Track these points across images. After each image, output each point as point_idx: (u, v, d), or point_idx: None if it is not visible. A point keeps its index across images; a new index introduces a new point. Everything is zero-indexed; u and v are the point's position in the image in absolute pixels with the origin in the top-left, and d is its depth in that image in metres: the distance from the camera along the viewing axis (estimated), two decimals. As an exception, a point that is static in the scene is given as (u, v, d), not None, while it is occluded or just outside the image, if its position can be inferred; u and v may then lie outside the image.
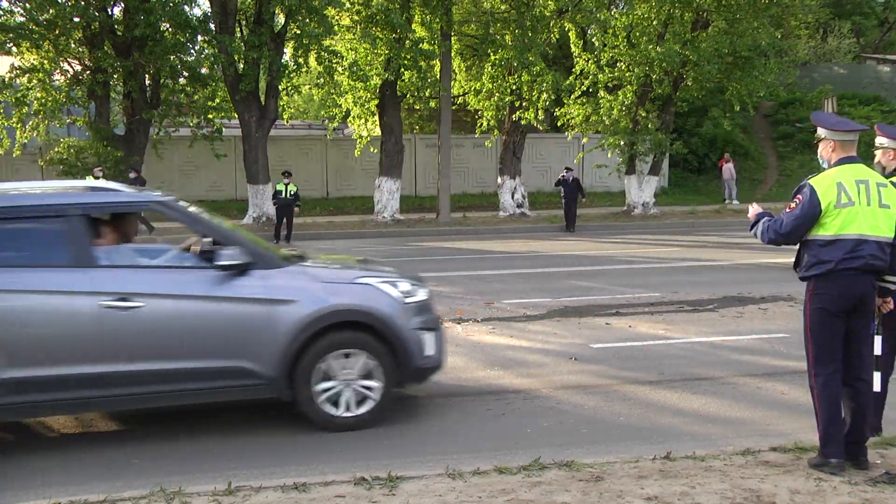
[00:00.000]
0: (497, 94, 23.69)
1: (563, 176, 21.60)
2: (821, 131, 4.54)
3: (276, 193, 18.73)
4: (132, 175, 19.65)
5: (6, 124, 20.78)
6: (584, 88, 22.89)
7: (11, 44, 19.62)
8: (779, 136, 33.24)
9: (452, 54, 24.01)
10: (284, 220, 18.63)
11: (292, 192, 18.63)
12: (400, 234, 20.85)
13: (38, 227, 5.38)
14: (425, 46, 21.38)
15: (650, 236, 19.42)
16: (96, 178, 19.48)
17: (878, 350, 4.66)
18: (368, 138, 24.67)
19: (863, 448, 4.46)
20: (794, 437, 5.11)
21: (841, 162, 4.45)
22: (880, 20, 43.63)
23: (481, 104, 24.26)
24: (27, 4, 19.68)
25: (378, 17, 21.24)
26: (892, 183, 4.55)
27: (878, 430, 4.95)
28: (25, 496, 4.52)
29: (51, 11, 19.50)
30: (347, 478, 4.47)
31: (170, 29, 20.32)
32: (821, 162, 4.62)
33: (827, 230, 4.33)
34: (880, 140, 4.96)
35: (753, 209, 4.79)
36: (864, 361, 4.45)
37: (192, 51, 20.86)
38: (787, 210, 4.46)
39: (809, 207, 4.35)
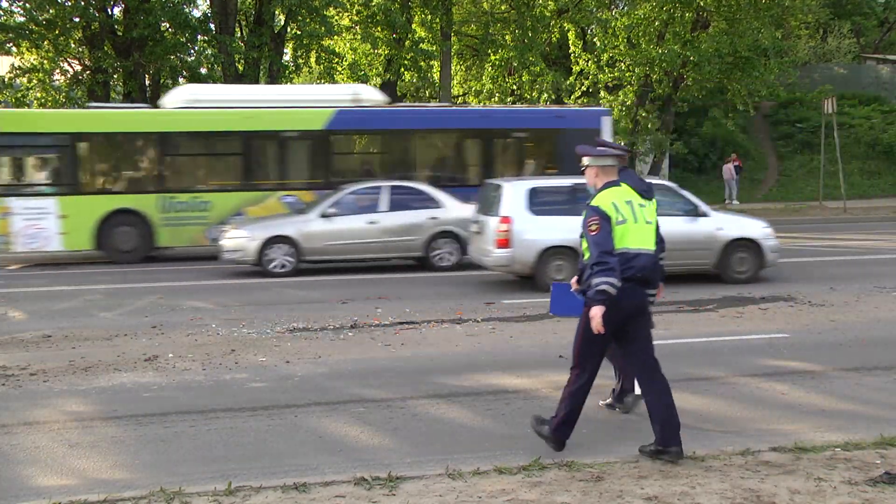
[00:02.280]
0: (497, 94, 23.70)
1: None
2: (585, 160, 5.01)
3: None
4: None
5: (6, 124, 20.74)
6: (585, 88, 22.91)
7: (11, 44, 19.62)
8: (779, 136, 33.24)
9: (452, 54, 24.02)
10: None
11: None
12: (400, 234, 20.81)
13: None
14: (425, 47, 21.39)
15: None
16: None
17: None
18: (368, 138, 24.65)
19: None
20: (794, 437, 5.11)
21: (607, 185, 4.92)
22: (880, 20, 43.65)
23: (481, 104, 24.28)
24: (27, 4, 19.69)
25: (378, 18, 21.26)
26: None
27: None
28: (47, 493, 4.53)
29: (51, 11, 19.51)
30: (347, 478, 4.47)
31: (170, 29, 20.32)
32: (589, 189, 5.06)
33: (615, 241, 4.77)
34: (584, 161, 5.07)
35: (595, 315, 4.71)
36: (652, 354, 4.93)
37: (192, 51, 20.87)
38: (591, 233, 4.77)
39: (609, 223, 4.76)
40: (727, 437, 5.30)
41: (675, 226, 10.73)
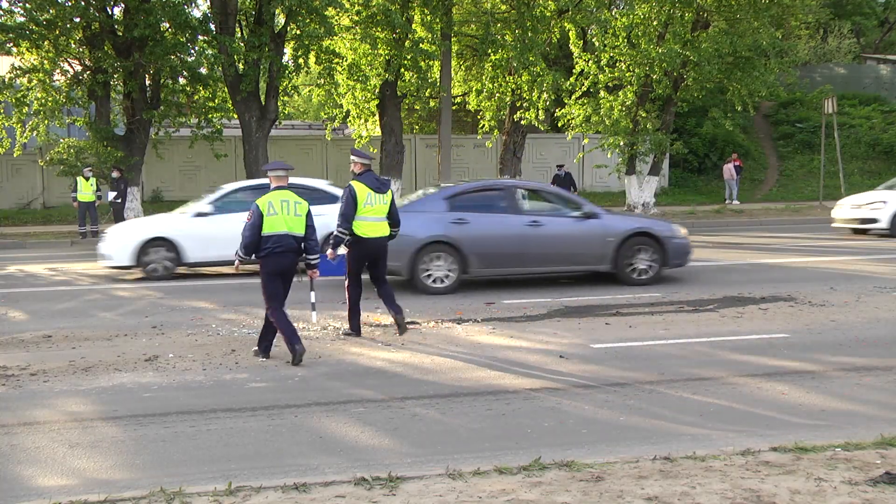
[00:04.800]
0: (497, 95, 23.68)
1: (557, 172, 22.92)
2: (269, 172, 7.71)
3: None
4: (115, 174, 19.66)
5: (6, 124, 20.77)
6: (585, 89, 22.88)
7: (11, 44, 19.60)
8: (779, 137, 33.25)
9: (452, 54, 23.99)
10: None
11: None
12: (400, 235, 20.81)
13: None
14: (425, 47, 21.35)
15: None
16: (86, 178, 19.52)
17: (313, 299, 8.45)
18: (368, 138, 24.67)
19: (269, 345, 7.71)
20: (794, 437, 5.11)
21: (275, 189, 7.60)
22: (880, 20, 43.68)
23: (481, 104, 24.26)
24: (27, 4, 19.65)
25: (378, 18, 21.22)
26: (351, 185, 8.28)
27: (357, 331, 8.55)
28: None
29: (51, 11, 19.48)
30: (348, 478, 4.47)
31: (170, 29, 20.29)
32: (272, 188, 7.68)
33: (265, 229, 7.38)
34: (352, 158, 8.47)
35: (235, 267, 7.97)
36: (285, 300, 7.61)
37: (193, 51, 20.83)
38: (247, 221, 7.40)
39: (258, 217, 7.38)
40: (727, 437, 5.30)
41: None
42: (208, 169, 26.64)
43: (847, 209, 17.88)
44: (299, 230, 7.50)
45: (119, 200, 19.66)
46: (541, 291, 11.15)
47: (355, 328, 8.50)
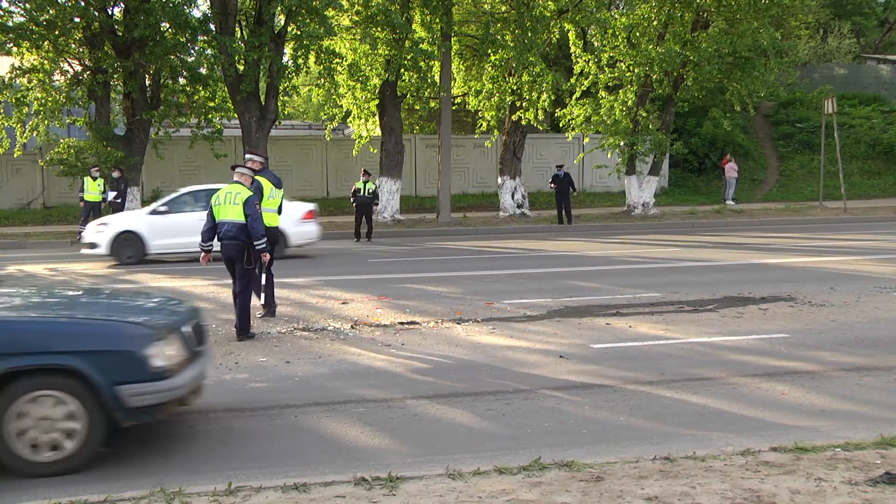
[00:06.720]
0: (497, 95, 23.68)
1: (556, 173, 22.66)
2: (236, 170, 8.80)
3: (355, 192, 18.76)
4: (115, 174, 19.65)
5: (6, 124, 20.75)
6: (585, 89, 22.88)
7: (11, 44, 19.59)
8: (779, 137, 33.22)
9: (452, 55, 23.99)
10: (364, 218, 18.74)
11: (371, 191, 18.72)
12: (400, 234, 20.85)
13: None
14: (425, 47, 21.35)
15: (650, 236, 19.42)
16: (94, 178, 19.50)
17: (264, 281, 9.32)
18: (368, 138, 24.67)
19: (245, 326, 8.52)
20: (794, 437, 5.11)
21: (231, 183, 8.66)
22: (880, 20, 43.65)
23: (481, 104, 24.25)
24: (27, 5, 19.65)
25: (378, 18, 21.22)
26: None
27: (273, 311, 9.56)
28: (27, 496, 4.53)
29: (51, 12, 19.47)
30: (348, 478, 4.47)
31: (170, 29, 20.29)
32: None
33: (216, 218, 8.48)
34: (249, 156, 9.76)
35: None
36: (244, 284, 8.58)
37: (193, 51, 20.82)
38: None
39: (209, 207, 8.57)
40: (727, 437, 5.31)
41: None
42: (208, 169, 26.60)
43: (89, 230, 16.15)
44: (238, 218, 8.42)
45: (119, 200, 19.65)
46: (541, 291, 11.15)
47: (271, 305, 9.62)
